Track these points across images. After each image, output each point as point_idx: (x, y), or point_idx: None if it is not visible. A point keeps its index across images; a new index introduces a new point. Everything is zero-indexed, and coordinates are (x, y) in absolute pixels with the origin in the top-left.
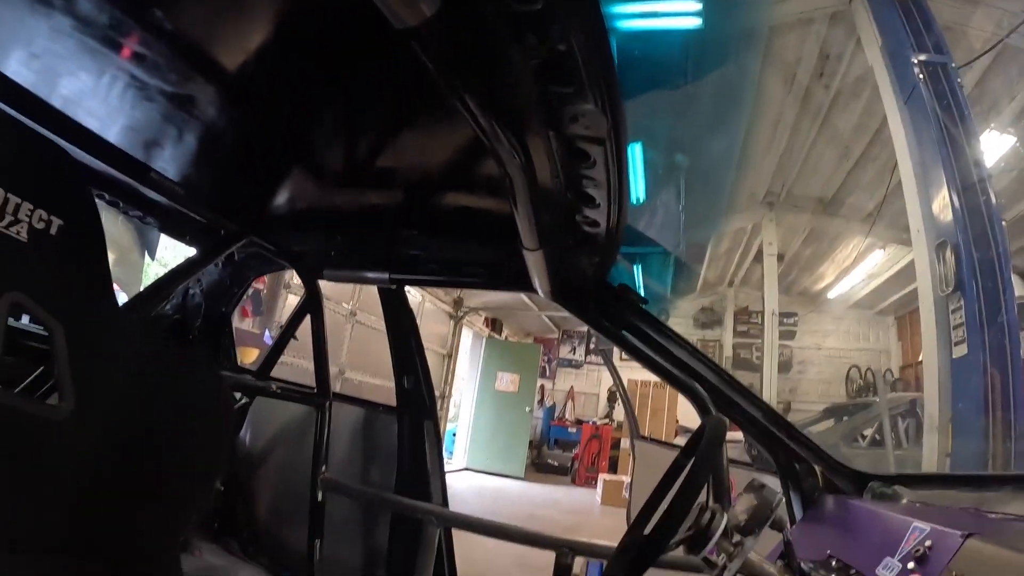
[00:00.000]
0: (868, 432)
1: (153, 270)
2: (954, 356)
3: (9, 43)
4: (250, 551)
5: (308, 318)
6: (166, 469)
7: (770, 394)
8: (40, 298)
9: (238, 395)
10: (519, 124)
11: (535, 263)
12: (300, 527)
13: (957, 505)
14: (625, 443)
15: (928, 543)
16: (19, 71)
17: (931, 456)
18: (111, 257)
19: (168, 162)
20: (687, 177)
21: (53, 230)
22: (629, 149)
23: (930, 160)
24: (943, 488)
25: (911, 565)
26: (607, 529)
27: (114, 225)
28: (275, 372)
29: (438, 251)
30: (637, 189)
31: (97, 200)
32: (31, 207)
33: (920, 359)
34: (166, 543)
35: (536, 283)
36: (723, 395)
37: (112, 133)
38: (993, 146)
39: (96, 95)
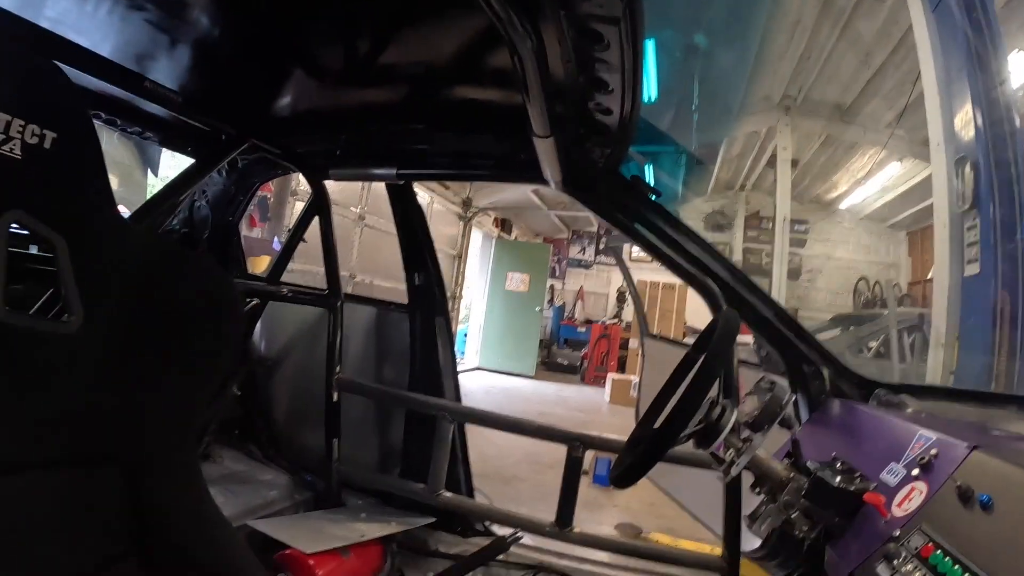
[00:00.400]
0: (873, 344)
1: (158, 188)
2: (966, 274)
3: None
4: (270, 455)
5: (316, 221)
6: (179, 377)
7: (779, 300)
8: (39, 213)
9: (250, 300)
10: (532, 4)
11: (546, 151)
12: (317, 428)
13: (962, 419)
14: (633, 343)
15: (934, 451)
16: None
17: (936, 371)
18: (114, 179)
19: (163, 72)
20: (701, 76)
21: (47, 144)
22: (644, 43)
23: (955, 73)
24: (948, 401)
25: (915, 472)
26: (615, 427)
27: (114, 146)
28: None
29: (446, 144)
30: (649, 87)
31: (95, 119)
32: (22, 123)
33: (929, 276)
34: (183, 449)
35: (547, 172)
36: (735, 293)
37: (104, 50)
38: (1020, 69)
39: (84, 13)
